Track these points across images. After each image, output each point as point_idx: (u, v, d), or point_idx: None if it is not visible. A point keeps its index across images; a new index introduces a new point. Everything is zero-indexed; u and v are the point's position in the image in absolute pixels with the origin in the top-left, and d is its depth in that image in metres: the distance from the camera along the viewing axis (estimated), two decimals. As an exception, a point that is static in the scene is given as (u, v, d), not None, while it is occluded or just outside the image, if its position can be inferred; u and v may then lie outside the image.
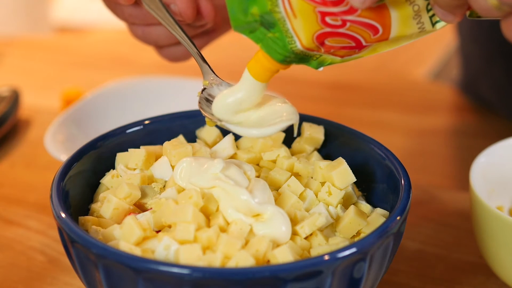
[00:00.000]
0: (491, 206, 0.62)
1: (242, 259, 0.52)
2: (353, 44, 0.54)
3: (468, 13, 0.51)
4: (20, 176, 0.87)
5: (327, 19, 0.52)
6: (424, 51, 1.29)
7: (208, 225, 0.55)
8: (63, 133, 0.84)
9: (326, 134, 0.66)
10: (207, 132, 0.67)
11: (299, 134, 0.66)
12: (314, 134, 0.65)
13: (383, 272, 0.56)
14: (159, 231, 0.57)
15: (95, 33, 1.49)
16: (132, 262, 0.50)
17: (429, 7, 0.52)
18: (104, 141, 0.65)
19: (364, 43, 0.54)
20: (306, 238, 0.56)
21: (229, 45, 1.12)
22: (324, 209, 0.59)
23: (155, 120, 0.67)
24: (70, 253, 0.55)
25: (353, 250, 0.51)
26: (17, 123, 0.98)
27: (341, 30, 0.53)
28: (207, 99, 0.61)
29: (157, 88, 0.95)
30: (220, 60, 0.98)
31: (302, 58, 0.56)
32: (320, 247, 0.55)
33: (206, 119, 0.61)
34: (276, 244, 0.54)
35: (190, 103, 0.63)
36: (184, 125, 0.67)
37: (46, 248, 0.73)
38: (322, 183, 0.61)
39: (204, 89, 0.62)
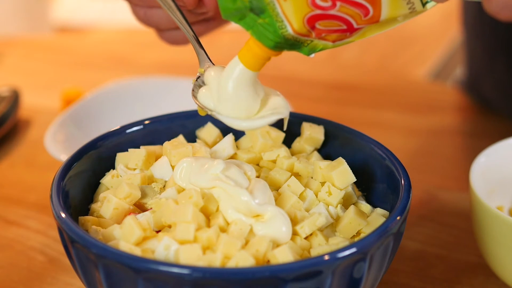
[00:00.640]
0: (491, 206, 0.62)
1: (242, 259, 0.52)
2: (344, 27, 0.53)
3: None
4: (20, 176, 0.87)
5: (317, 0, 0.52)
6: (424, 52, 1.28)
7: (208, 225, 0.55)
8: (63, 133, 0.84)
9: (326, 134, 0.66)
10: (207, 132, 0.67)
11: (297, 132, 0.66)
12: (314, 134, 0.65)
13: (383, 272, 0.56)
14: (159, 231, 0.57)
15: (95, 33, 1.49)
16: (132, 262, 0.50)
17: None
18: (104, 141, 0.65)
19: (355, 26, 0.53)
20: (306, 238, 0.56)
21: (229, 45, 1.12)
22: (324, 209, 0.59)
23: (155, 120, 0.67)
24: (70, 253, 0.55)
25: (353, 250, 0.51)
26: (17, 123, 0.98)
27: (331, 12, 0.52)
28: (200, 86, 0.61)
29: (157, 88, 0.95)
30: (220, 61, 0.98)
31: (293, 44, 0.55)
32: (320, 247, 0.55)
33: (198, 108, 0.60)
34: (276, 244, 0.54)
35: (190, 103, 0.63)
36: (184, 125, 0.67)
37: (46, 248, 0.73)
38: (322, 183, 0.61)
39: (198, 77, 0.61)
